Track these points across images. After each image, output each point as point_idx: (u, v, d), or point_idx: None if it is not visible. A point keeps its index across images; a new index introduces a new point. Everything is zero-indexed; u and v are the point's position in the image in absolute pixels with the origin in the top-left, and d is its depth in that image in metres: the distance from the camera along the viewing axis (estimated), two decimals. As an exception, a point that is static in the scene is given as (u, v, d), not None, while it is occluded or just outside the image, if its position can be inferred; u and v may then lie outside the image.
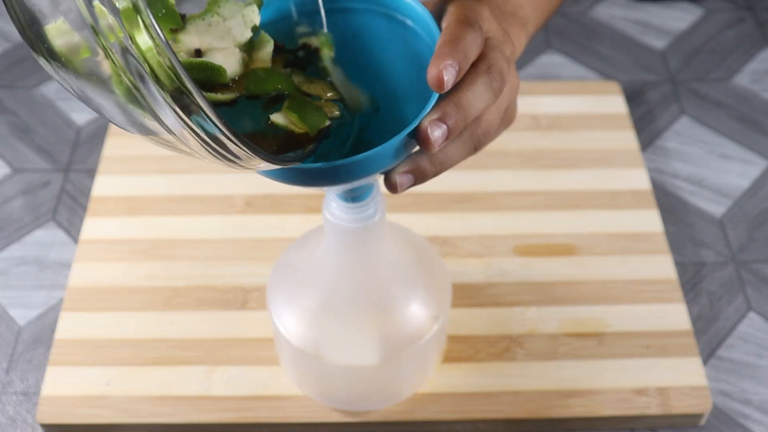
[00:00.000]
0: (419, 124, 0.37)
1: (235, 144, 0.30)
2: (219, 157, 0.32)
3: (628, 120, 0.78)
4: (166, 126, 0.30)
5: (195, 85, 0.28)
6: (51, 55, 0.30)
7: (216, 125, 0.29)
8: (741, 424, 0.61)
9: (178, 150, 0.33)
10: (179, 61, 0.28)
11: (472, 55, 0.37)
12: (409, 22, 0.42)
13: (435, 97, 0.37)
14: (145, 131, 0.32)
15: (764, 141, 0.80)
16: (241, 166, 0.33)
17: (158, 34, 0.27)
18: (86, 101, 0.32)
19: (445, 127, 0.36)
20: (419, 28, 0.41)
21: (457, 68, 0.36)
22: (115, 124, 0.33)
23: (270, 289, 0.57)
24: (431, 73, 0.36)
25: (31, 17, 0.30)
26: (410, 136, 0.37)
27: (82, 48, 0.29)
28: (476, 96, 0.38)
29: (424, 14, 0.40)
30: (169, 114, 0.29)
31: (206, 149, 0.31)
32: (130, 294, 0.66)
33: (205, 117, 0.29)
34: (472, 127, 0.40)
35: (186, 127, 0.29)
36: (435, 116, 0.36)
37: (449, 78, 0.36)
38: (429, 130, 0.36)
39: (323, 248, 0.53)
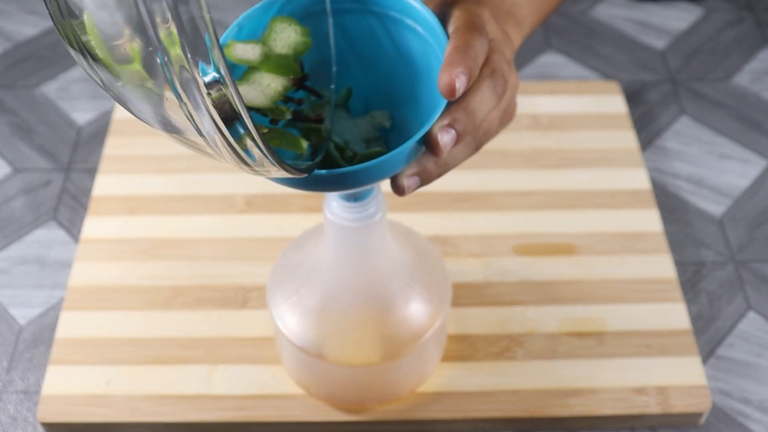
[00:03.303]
0: (430, 130, 0.37)
1: (265, 155, 0.31)
2: (240, 162, 0.32)
3: (627, 120, 0.78)
4: (199, 129, 0.30)
5: (243, 103, 0.29)
6: (85, 49, 0.30)
7: (256, 141, 0.30)
8: (740, 423, 0.61)
9: (195, 148, 0.33)
10: (234, 83, 0.28)
11: (481, 61, 0.38)
12: (415, 25, 0.42)
13: (443, 103, 0.37)
14: (171, 129, 0.32)
15: (764, 141, 0.80)
16: (255, 171, 0.33)
17: (221, 51, 0.28)
18: (114, 94, 0.32)
19: (454, 132, 0.37)
20: (426, 33, 0.41)
21: (468, 75, 0.36)
22: (138, 117, 0.33)
23: (270, 288, 0.57)
24: (443, 80, 0.36)
25: (68, 10, 0.30)
26: (420, 142, 0.37)
27: (127, 51, 0.29)
28: (482, 100, 0.38)
29: (431, 19, 0.40)
30: (206, 121, 0.30)
31: (233, 155, 0.31)
32: (130, 293, 0.66)
33: (246, 130, 0.30)
34: (475, 129, 0.40)
35: (219, 133, 0.30)
36: (445, 122, 0.37)
37: (461, 86, 0.36)
38: (439, 136, 0.37)
39: (323, 247, 0.53)
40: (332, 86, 0.44)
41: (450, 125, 0.37)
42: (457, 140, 0.37)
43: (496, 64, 0.39)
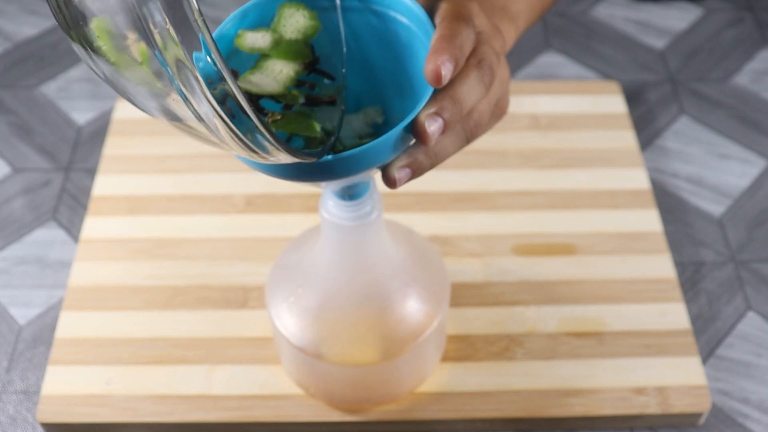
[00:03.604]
0: (416, 118, 0.37)
1: (266, 138, 0.31)
2: (249, 150, 0.32)
3: (627, 120, 0.78)
4: (198, 114, 0.30)
5: (244, 96, 0.29)
6: (87, 41, 0.30)
7: (251, 119, 0.30)
8: (740, 424, 0.61)
9: (200, 137, 0.33)
10: (222, 57, 0.28)
11: (467, 50, 0.38)
12: (402, 18, 0.42)
13: (430, 91, 0.37)
14: (172, 117, 0.32)
15: (764, 141, 0.80)
16: (264, 158, 0.33)
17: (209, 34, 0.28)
18: (115, 85, 0.32)
19: (441, 120, 0.37)
20: (413, 25, 0.41)
21: (454, 63, 0.36)
22: (139, 108, 0.33)
23: (269, 288, 0.57)
24: (429, 68, 0.36)
25: (75, 19, 0.30)
26: (407, 130, 0.37)
27: (135, 54, 0.29)
28: (470, 89, 0.38)
29: (418, 11, 0.40)
30: (212, 116, 0.30)
31: (241, 145, 0.31)
32: (130, 293, 0.66)
33: (240, 110, 0.30)
34: (464, 120, 0.40)
35: (218, 117, 0.30)
36: (431, 110, 0.37)
37: (446, 73, 0.36)
38: (426, 124, 0.37)
39: (321, 247, 0.53)
40: (343, 70, 0.44)
41: (437, 113, 0.37)
42: (445, 129, 0.37)
43: (483, 54, 0.39)
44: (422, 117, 0.37)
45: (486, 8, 0.43)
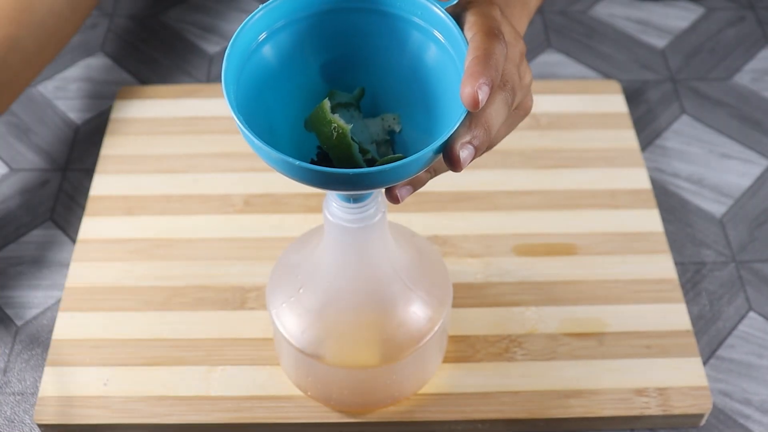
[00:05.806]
0: (451, 145, 0.37)
1: None
2: None
3: (628, 119, 0.78)
4: None
5: None
6: None
7: None
8: (741, 425, 0.61)
9: None
10: None
11: (501, 68, 0.38)
12: (436, 33, 0.42)
13: (461, 114, 0.37)
14: None
15: (765, 140, 0.79)
16: None
17: None
18: None
19: (473, 148, 0.37)
20: (443, 38, 0.41)
21: (490, 86, 0.36)
22: None
23: (269, 289, 0.57)
24: (466, 92, 0.36)
25: None
26: (437, 152, 0.37)
27: None
28: (497, 113, 0.39)
29: (452, 25, 0.40)
30: None
31: None
32: (128, 294, 0.65)
33: None
34: (490, 143, 0.41)
35: None
36: (466, 139, 0.37)
37: (483, 97, 0.36)
38: (460, 152, 0.37)
39: (323, 248, 0.53)
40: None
41: (470, 142, 0.37)
42: (474, 155, 0.38)
43: (507, 76, 0.39)
44: (457, 146, 0.37)
45: (502, 7, 0.43)
